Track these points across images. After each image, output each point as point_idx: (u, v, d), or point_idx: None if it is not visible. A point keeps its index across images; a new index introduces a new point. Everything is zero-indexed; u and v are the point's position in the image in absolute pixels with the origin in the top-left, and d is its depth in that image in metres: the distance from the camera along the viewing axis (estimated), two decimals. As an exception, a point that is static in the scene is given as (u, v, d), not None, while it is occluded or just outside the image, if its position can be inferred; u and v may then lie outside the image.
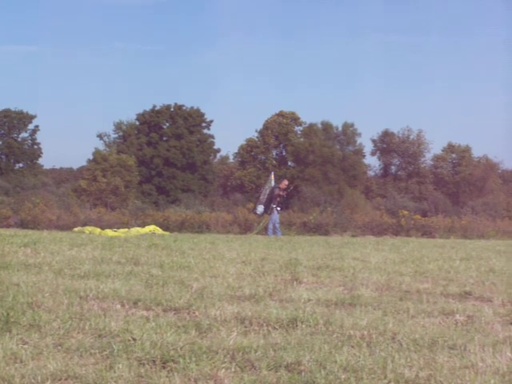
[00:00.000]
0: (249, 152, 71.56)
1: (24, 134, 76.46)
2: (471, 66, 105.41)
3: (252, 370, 5.24)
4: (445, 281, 10.11)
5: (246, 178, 69.07)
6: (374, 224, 32.66)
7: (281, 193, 26.55)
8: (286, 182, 27.71)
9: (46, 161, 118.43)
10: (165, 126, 71.77)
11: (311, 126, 69.36)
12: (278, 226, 26.43)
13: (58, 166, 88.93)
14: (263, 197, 27.00)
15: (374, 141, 71.52)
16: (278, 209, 26.54)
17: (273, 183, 27.34)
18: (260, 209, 26.95)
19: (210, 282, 9.16)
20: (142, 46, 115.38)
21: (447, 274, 10.88)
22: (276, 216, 26.40)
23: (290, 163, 70.75)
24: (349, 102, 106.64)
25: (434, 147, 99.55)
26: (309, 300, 8.00)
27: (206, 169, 71.11)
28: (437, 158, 70.61)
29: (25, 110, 75.47)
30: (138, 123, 72.89)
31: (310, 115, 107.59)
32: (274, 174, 28.94)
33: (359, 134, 69.70)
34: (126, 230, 27.25)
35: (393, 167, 72.48)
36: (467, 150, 70.17)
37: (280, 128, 70.79)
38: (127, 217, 34.50)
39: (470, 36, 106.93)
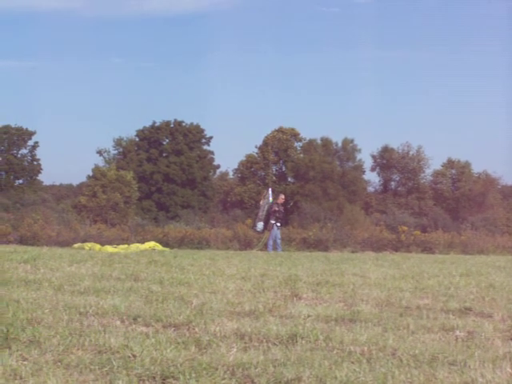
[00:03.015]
0: (248, 168, 71.58)
1: (24, 151, 76.62)
2: (471, 80, 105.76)
3: (252, 386, 5.23)
4: (445, 296, 10.09)
5: (245, 194, 69.01)
6: (374, 240, 32.59)
7: (278, 208, 26.55)
8: (282, 197, 27.77)
9: (46, 177, 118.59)
10: (164, 142, 71.89)
11: (311, 141, 69.47)
12: (279, 241, 26.40)
13: (57, 183, 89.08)
14: (262, 213, 27.02)
15: (373, 156, 71.64)
16: (278, 224, 26.51)
17: (270, 199, 27.31)
18: (260, 225, 26.96)
19: (209, 298, 9.15)
20: (141, 63, 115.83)
21: (447, 290, 10.87)
22: (276, 232, 26.37)
23: (289, 179, 70.76)
24: (348, 117, 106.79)
25: (434, 163, 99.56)
26: (308, 316, 7.99)
27: (206, 185, 71.15)
28: (436, 174, 70.65)
29: (24, 127, 75.66)
30: (137, 139, 73.04)
31: (310, 131, 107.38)
32: (272, 190, 28.89)
33: (359, 150, 69.91)
34: (126, 246, 27.21)
35: (392, 183, 72.54)
36: (467, 165, 70.25)
37: (280, 144, 70.81)
38: (127, 233, 34.44)
39: (469, 50, 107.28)
